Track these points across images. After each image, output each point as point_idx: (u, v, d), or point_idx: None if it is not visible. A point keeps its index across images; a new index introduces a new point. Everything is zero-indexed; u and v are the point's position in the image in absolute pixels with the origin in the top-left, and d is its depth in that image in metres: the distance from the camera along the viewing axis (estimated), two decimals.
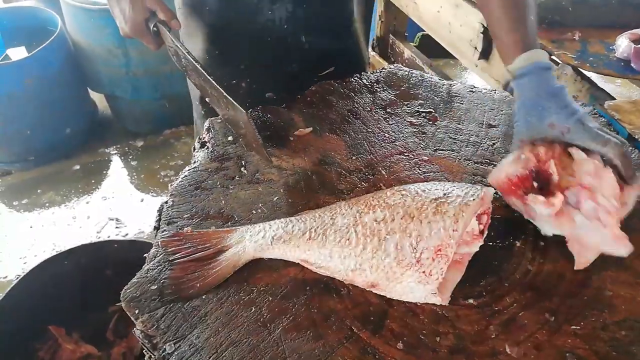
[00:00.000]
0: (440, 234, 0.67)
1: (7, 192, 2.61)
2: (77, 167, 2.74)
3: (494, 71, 1.63)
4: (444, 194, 0.71)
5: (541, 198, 0.70)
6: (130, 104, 2.90)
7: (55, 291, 1.67)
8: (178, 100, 2.87)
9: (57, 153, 2.76)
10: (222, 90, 0.86)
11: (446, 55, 2.28)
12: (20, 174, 2.70)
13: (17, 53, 2.72)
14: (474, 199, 0.70)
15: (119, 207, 2.48)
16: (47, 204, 2.52)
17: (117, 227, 2.37)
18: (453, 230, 0.67)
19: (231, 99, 0.84)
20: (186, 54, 0.90)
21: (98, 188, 2.61)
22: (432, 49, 2.48)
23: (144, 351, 0.73)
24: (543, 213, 0.71)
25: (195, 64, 0.89)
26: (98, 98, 3.06)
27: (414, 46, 2.57)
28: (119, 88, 2.80)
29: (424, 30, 2.66)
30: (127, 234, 2.33)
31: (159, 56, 2.75)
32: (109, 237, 2.32)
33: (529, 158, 0.75)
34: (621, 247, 0.67)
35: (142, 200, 2.53)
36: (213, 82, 0.87)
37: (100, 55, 2.69)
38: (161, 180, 2.62)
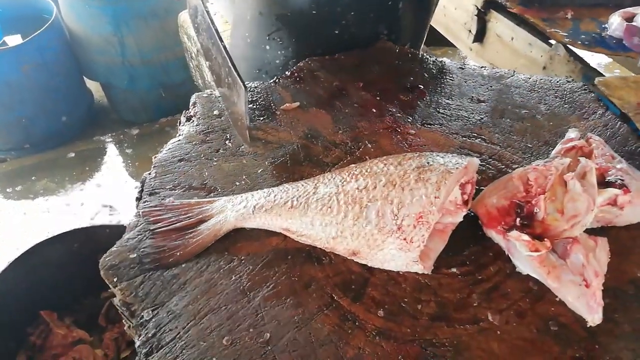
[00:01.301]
0: (422, 201, 0.66)
1: (2, 179, 2.60)
2: (72, 154, 2.73)
3: (488, 54, 1.62)
4: (427, 163, 0.70)
5: (526, 238, 0.65)
6: (126, 93, 2.88)
7: (47, 276, 1.66)
8: (174, 89, 2.86)
9: (53, 141, 2.75)
10: (228, 59, 0.84)
11: (443, 44, 2.26)
12: (15, 161, 2.69)
13: (13, 41, 2.70)
14: (457, 167, 0.69)
15: (113, 194, 2.47)
16: (41, 191, 2.51)
17: (110, 214, 2.37)
18: (435, 197, 0.66)
19: (235, 71, 0.83)
20: (205, 12, 0.88)
21: (93, 175, 2.60)
22: (429, 37, 2.46)
23: (123, 321, 0.73)
24: (524, 253, 0.65)
25: (211, 24, 0.88)
26: (94, 87, 3.05)
27: None
28: (115, 77, 2.78)
29: None
30: (120, 221, 2.32)
31: (156, 45, 2.75)
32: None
33: (517, 188, 0.71)
34: (594, 315, 0.61)
35: (136, 188, 2.51)
36: (222, 48, 0.85)
37: (96, 43, 2.67)
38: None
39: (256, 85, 1.00)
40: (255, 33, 1.13)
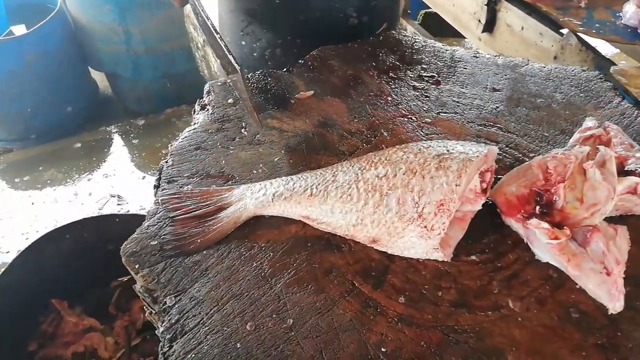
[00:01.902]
0: (443, 188, 0.66)
1: (9, 169, 2.61)
2: (79, 145, 2.73)
3: (497, 44, 1.61)
4: (447, 151, 0.70)
5: (545, 225, 0.65)
6: (131, 83, 2.88)
7: (57, 265, 1.67)
8: (179, 79, 2.85)
9: (58, 131, 2.75)
10: (223, 47, 0.85)
11: (449, 34, 2.25)
12: (21, 152, 2.69)
13: (18, 30, 2.70)
14: (477, 156, 0.69)
15: (120, 184, 2.48)
16: (48, 181, 2.52)
17: (118, 204, 2.37)
18: (456, 185, 0.66)
19: (231, 57, 0.83)
20: (201, 11, 0.90)
21: (99, 166, 2.61)
22: (435, 28, 2.45)
23: (144, 307, 0.73)
24: (544, 241, 0.65)
25: (207, 21, 0.89)
26: (98, 78, 3.04)
27: (417, 24, 2.53)
28: (120, 66, 2.77)
29: (427, 8, 2.62)
30: (128, 211, 2.33)
31: (160, 33, 2.73)
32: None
33: (537, 176, 0.70)
34: (615, 302, 0.61)
35: (143, 178, 2.52)
36: (219, 40, 0.86)
37: (100, 32, 2.66)
38: (163, 158, 2.60)
39: (270, 73, 1.00)
40: (230, 32, 1.17)
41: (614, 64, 1.22)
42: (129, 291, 1.74)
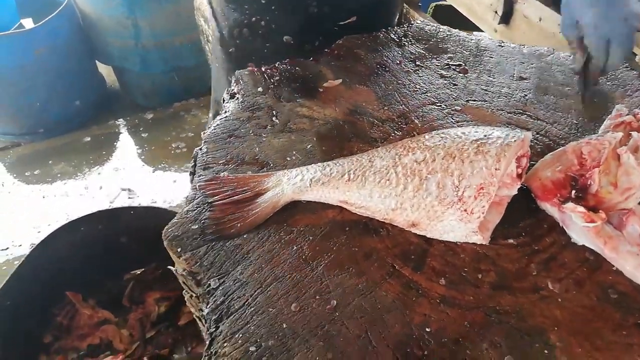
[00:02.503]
0: (483, 172, 0.67)
1: (18, 163, 2.61)
2: (88, 138, 2.74)
3: (514, 36, 1.61)
4: (485, 136, 0.71)
5: (581, 209, 0.66)
6: (140, 77, 2.88)
7: (71, 258, 1.67)
8: (188, 73, 2.85)
9: (67, 125, 2.75)
10: None
11: (460, 26, 2.25)
12: (30, 145, 2.70)
13: (28, 24, 2.70)
14: (515, 140, 0.70)
15: (130, 178, 2.49)
16: (59, 175, 2.53)
17: (129, 198, 2.38)
18: (495, 169, 0.67)
19: None
20: None
21: (109, 159, 2.61)
22: (445, 20, 2.45)
23: (183, 292, 0.74)
24: (580, 224, 0.67)
25: None
26: (106, 72, 3.04)
27: (429, 16, 2.53)
28: (128, 60, 2.77)
29: (438, 0, 2.62)
30: (140, 204, 2.34)
31: (169, 27, 2.73)
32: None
33: (571, 161, 0.71)
34: None
35: (153, 172, 2.53)
36: None
37: (109, 26, 2.66)
38: (172, 152, 2.62)
39: (297, 62, 1.01)
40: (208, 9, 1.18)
41: (635, 54, 1.23)
42: (143, 284, 1.75)
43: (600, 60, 0.81)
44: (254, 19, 1.08)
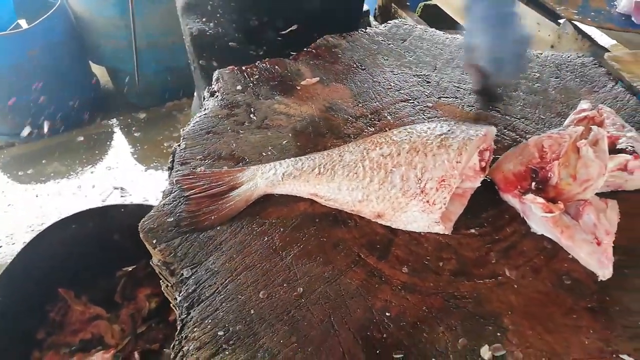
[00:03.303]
0: (445, 165, 0.70)
1: (12, 162, 2.63)
2: (81, 138, 2.76)
3: None
4: (448, 130, 0.74)
5: (540, 200, 0.68)
6: (133, 77, 2.90)
7: (63, 255, 1.69)
8: (180, 73, 2.87)
9: (61, 126, 2.77)
10: None
11: (447, 26, 2.28)
12: (24, 145, 2.72)
13: (24, 24, 2.72)
14: (477, 135, 0.73)
15: (123, 177, 2.51)
16: (52, 174, 2.55)
17: (122, 196, 2.41)
18: (456, 162, 0.70)
19: None
20: None
21: (102, 159, 2.64)
22: (434, 20, 2.48)
23: (160, 281, 0.77)
24: (539, 214, 0.69)
25: None
26: (99, 72, 3.07)
27: (417, 16, 2.56)
28: (121, 60, 2.79)
29: (426, 0, 2.65)
30: (132, 202, 2.36)
31: (161, 27, 2.75)
32: None
33: (532, 154, 0.75)
34: (605, 270, 0.65)
35: (145, 170, 2.56)
36: None
37: (102, 26, 2.68)
38: (164, 151, 2.64)
39: (276, 61, 1.04)
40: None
41: (608, 51, 1.26)
42: (134, 280, 1.77)
43: (495, 79, 0.84)
44: (205, 26, 1.13)
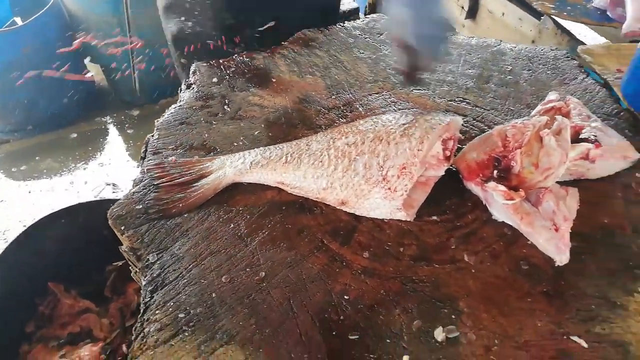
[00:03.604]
0: (406, 153, 0.71)
1: (6, 159, 2.65)
2: (75, 135, 2.78)
3: (480, 30, 1.66)
4: (412, 120, 0.75)
5: (502, 188, 0.70)
6: (126, 75, 2.92)
7: (54, 249, 1.71)
8: (173, 71, 2.88)
9: (55, 122, 2.80)
10: None
11: None
12: (18, 142, 2.74)
13: (20, 22, 2.74)
14: (439, 124, 0.74)
15: (115, 173, 2.53)
16: (45, 171, 2.57)
17: (114, 192, 2.42)
18: (418, 150, 0.71)
19: None
20: None
21: (95, 155, 2.66)
22: None
23: (129, 268, 0.78)
24: (500, 202, 0.70)
25: None
26: (94, 70, 3.08)
27: None
28: (114, 58, 2.81)
29: None
30: None
31: (154, 26, 2.77)
32: None
33: (496, 143, 0.76)
34: (562, 255, 0.67)
35: (138, 167, 2.56)
36: None
37: (95, 24, 2.70)
38: None
39: (253, 53, 1.05)
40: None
41: (581, 42, 1.27)
42: (124, 275, 1.79)
43: (418, 58, 0.80)
44: (184, 25, 1.15)
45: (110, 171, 2.54)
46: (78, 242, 1.72)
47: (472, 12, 1.63)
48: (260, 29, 1.12)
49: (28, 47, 2.53)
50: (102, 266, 1.79)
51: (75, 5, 2.70)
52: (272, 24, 1.12)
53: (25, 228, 1.66)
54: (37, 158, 2.64)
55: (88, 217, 1.75)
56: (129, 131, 2.79)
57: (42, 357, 1.65)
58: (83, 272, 1.78)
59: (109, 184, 2.46)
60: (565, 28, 1.33)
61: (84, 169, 2.57)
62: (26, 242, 1.64)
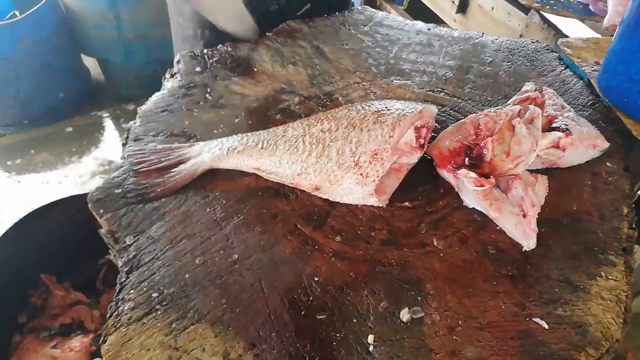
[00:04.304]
0: (378, 139, 0.72)
1: (1, 153, 2.67)
2: (70, 129, 2.80)
3: (471, 25, 1.67)
4: (386, 108, 0.77)
5: (473, 175, 0.71)
6: (123, 69, 2.93)
7: (46, 241, 1.72)
8: (169, 65, 2.89)
9: (51, 116, 2.81)
10: None
11: (432, 19, 2.30)
12: (14, 136, 2.76)
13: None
14: (412, 112, 0.75)
15: (110, 167, 2.55)
16: (40, 164, 2.59)
17: None
18: (389, 137, 0.72)
19: None
20: None
21: (90, 149, 2.67)
22: (421, 13, 2.50)
23: (109, 250, 0.80)
24: (471, 189, 0.72)
25: None
26: (91, 64, 3.10)
27: (403, 9, 2.58)
28: (111, 52, 2.82)
29: None
30: None
31: (150, 20, 2.78)
32: None
33: (468, 131, 0.77)
34: (529, 240, 0.68)
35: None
36: None
37: (91, 18, 2.71)
38: None
39: (236, 44, 1.06)
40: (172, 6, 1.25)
41: (566, 35, 1.28)
42: (116, 268, 1.80)
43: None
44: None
45: (105, 165, 2.55)
46: (70, 234, 1.74)
47: (463, 7, 1.65)
48: (298, 13, 1.13)
49: (25, 41, 2.54)
50: (94, 258, 1.81)
51: (71, 0, 2.72)
52: (308, 6, 1.13)
53: (17, 220, 1.67)
54: (32, 151, 2.65)
55: (81, 209, 1.76)
56: (124, 125, 2.81)
57: (34, 348, 1.67)
58: (75, 264, 1.80)
59: (103, 178, 2.47)
60: (551, 22, 1.35)
61: (79, 162, 2.59)
62: (18, 233, 1.66)
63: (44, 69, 2.66)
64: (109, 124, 2.84)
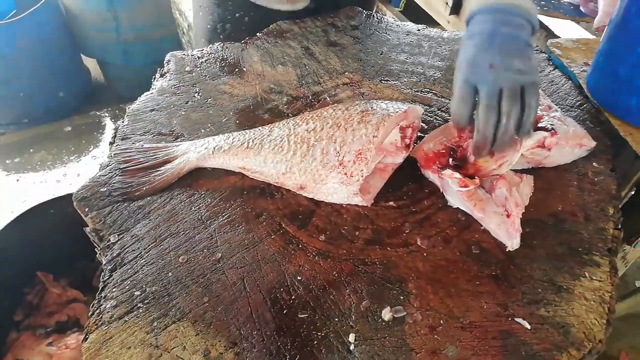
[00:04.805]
0: (362, 139, 0.73)
1: (0, 151, 2.68)
2: (69, 128, 2.81)
3: (464, 26, 1.66)
4: (371, 108, 0.77)
5: (457, 175, 0.71)
6: (122, 70, 2.94)
7: (42, 239, 1.72)
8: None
9: (51, 116, 2.82)
10: None
11: (428, 21, 2.30)
12: (12, 135, 2.77)
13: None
14: (396, 112, 0.75)
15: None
16: (38, 163, 2.59)
17: None
18: (373, 137, 0.72)
19: None
20: None
21: (89, 148, 2.68)
22: (417, 15, 2.50)
23: (95, 249, 0.80)
24: (455, 189, 0.72)
25: None
26: (92, 65, 3.11)
27: (399, 11, 2.58)
28: (110, 53, 2.83)
29: None
30: None
31: (149, 21, 2.79)
32: None
33: (452, 133, 0.77)
34: (513, 240, 0.68)
35: None
36: None
37: (90, 19, 2.72)
38: None
39: (226, 44, 1.07)
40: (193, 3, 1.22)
41: (556, 35, 1.28)
42: None
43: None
44: (237, 14, 1.13)
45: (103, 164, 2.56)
46: (67, 232, 1.73)
47: (456, 8, 1.64)
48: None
49: (24, 41, 2.55)
50: (90, 256, 1.81)
51: (70, 0, 2.72)
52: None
53: (14, 217, 1.68)
54: (31, 150, 2.66)
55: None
56: None
57: (30, 345, 1.67)
58: (72, 262, 1.80)
59: None
60: (542, 23, 1.34)
61: (77, 161, 2.59)
62: (15, 231, 1.66)
63: (44, 69, 2.68)
64: (108, 123, 2.85)
